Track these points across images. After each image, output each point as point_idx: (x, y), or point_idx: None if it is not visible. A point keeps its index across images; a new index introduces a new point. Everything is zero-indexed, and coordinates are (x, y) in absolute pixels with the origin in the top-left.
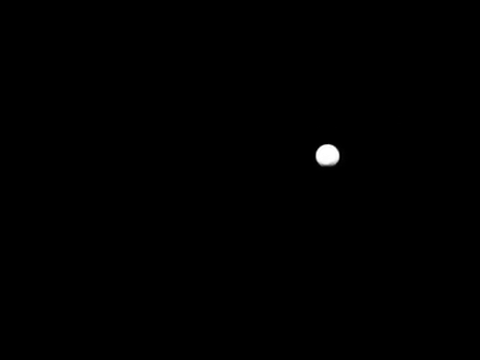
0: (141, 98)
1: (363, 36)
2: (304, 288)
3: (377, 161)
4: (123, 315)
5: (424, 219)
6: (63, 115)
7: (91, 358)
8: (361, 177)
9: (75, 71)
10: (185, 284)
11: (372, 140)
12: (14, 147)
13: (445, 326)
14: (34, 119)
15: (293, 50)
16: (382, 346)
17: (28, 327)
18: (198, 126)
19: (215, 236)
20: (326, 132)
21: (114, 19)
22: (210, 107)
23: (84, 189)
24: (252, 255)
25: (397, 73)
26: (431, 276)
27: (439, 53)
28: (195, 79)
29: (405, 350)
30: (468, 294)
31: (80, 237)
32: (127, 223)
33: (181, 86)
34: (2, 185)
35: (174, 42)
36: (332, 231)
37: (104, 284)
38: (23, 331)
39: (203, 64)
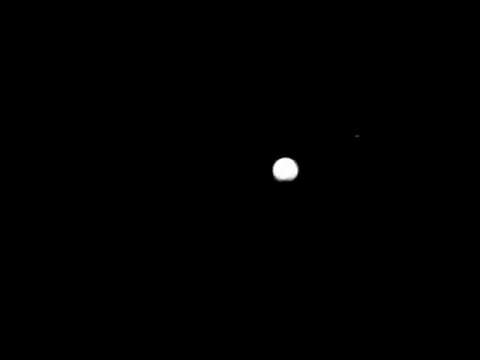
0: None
1: (322, 48)
2: (262, 305)
3: (337, 175)
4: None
5: (385, 235)
6: (63, 115)
7: (91, 358)
8: (320, 192)
9: (75, 71)
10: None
11: (331, 153)
12: (14, 147)
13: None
14: (34, 119)
15: (251, 62)
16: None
17: (28, 327)
18: (152, 139)
19: (170, 252)
20: (283, 145)
21: (114, 19)
22: (166, 119)
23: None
24: (208, 272)
25: (356, 83)
26: (397, 295)
27: (408, 69)
28: (151, 89)
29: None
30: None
31: (79, 237)
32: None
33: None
34: (2, 185)
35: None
36: (290, 248)
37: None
38: (23, 331)
39: (158, 75)
